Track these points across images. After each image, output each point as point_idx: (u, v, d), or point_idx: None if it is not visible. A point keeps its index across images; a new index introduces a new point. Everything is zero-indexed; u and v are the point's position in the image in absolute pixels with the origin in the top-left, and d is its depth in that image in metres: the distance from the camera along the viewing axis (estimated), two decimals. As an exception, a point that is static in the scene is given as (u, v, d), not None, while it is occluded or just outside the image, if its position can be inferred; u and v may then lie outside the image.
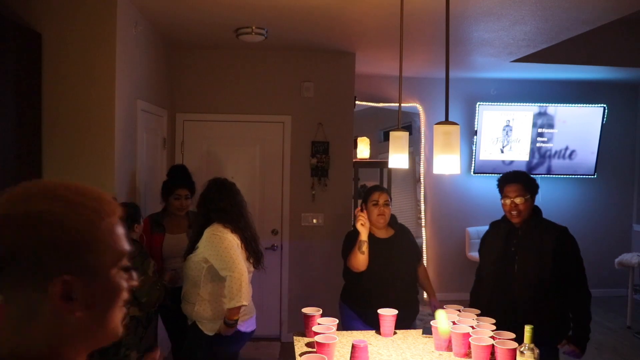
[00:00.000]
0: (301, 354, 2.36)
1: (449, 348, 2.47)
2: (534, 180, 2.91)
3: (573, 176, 6.48)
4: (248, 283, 2.81)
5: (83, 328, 0.76)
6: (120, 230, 0.81)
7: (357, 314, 3.07)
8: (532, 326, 2.16)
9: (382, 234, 3.13)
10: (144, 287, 2.76)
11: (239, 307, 2.75)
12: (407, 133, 2.82)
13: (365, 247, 2.95)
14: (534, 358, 2.18)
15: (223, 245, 2.76)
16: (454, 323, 2.53)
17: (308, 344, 2.55)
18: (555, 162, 6.37)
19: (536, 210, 2.88)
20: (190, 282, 2.89)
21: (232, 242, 2.78)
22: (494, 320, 2.60)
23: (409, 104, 6.29)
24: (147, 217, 3.61)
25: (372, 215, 3.06)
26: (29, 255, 0.72)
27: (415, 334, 2.73)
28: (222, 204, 2.84)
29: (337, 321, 2.59)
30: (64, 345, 0.75)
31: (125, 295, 0.81)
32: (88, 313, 0.76)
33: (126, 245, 0.82)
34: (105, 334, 0.80)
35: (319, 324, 2.55)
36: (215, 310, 2.82)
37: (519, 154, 6.30)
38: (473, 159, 6.32)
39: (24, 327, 0.74)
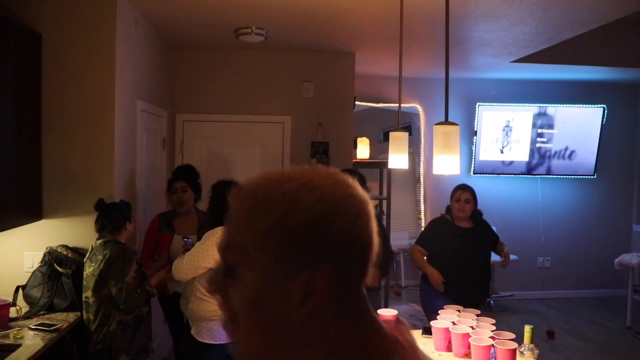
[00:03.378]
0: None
1: (448, 348, 2.47)
2: None
3: (573, 176, 6.48)
4: (191, 269, 2.83)
5: None
6: None
7: (438, 291, 3.48)
8: (532, 326, 2.16)
9: (464, 224, 3.60)
10: (120, 294, 2.70)
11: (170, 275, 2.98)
12: (407, 133, 2.83)
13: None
14: (534, 358, 2.18)
15: (208, 240, 2.82)
16: (453, 323, 2.53)
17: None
18: (555, 163, 6.37)
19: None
20: (191, 281, 2.90)
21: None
22: (493, 321, 2.60)
23: (409, 105, 6.29)
24: (156, 216, 3.61)
25: (453, 209, 3.59)
26: None
27: (415, 334, 2.73)
28: None
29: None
30: None
31: None
32: None
33: None
34: None
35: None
36: (206, 311, 2.80)
37: (518, 154, 6.30)
38: (473, 160, 6.32)
39: None
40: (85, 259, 2.83)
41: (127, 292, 2.71)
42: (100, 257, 2.72)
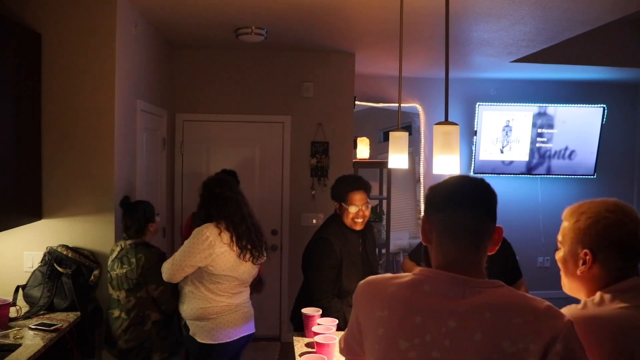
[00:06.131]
0: (301, 354, 2.36)
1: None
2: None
3: (573, 176, 6.48)
4: (179, 268, 2.73)
5: None
6: None
7: None
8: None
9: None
10: (163, 296, 2.80)
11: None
12: (407, 133, 2.82)
13: None
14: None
15: (195, 237, 2.73)
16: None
17: (308, 344, 2.55)
18: (555, 162, 6.37)
19: None
20: (183, 280, 2.84)
21: (206, 239, 2.70)
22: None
23: (409, 104, 6.29)
24: (190, 214, 3.70)
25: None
26: None
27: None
28: (226, 192, 2.82)
29: (337, 321, 2.59)
30: None
31: None
32: None
33: None
34: None
35: (318, 324, 2.55)
36: (199, 311, 2.76)
37: (518, 154, 6.30)
38: (473, 159, 6.32)
39: None
40: (112, 257, 2.86)
41: (169, 293, 2.81)
42: (134, 261, 2.76)
